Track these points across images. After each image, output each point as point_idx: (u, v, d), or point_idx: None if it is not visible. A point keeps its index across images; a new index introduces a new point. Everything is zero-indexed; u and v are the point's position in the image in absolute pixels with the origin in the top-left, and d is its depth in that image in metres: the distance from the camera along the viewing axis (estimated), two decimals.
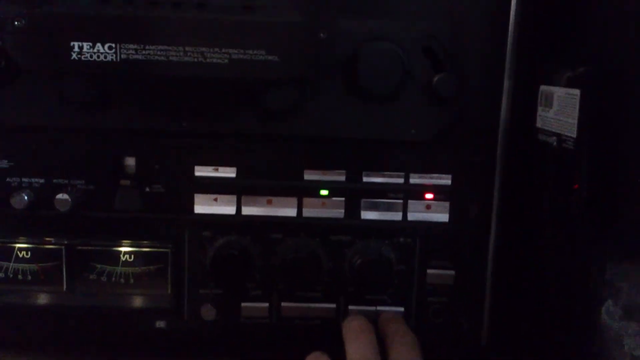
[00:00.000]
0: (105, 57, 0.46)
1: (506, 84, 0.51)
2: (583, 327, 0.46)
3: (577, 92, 0.44)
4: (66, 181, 0.52)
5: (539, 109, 0.49)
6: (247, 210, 0.52)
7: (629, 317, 0.42)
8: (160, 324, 0.54)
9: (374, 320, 0.52)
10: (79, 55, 0.46)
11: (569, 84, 0.45)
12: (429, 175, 0.52)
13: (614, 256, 0.45)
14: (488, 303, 0.54)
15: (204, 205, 0.52)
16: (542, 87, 0.48)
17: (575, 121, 0.44)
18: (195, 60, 0.46)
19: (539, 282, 0.51)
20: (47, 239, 0.53)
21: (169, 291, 0.53)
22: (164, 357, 0.55)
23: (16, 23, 0.46)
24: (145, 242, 0.53)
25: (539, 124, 0.49)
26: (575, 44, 0.48)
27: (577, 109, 0.44)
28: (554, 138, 0.47)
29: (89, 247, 0.53)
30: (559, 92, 0.46)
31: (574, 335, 0.47)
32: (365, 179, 0.52)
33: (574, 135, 0.44)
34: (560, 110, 0.46)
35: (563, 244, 0.48)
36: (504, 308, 0.54)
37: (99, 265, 0.53)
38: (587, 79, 0.44)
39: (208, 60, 0.47)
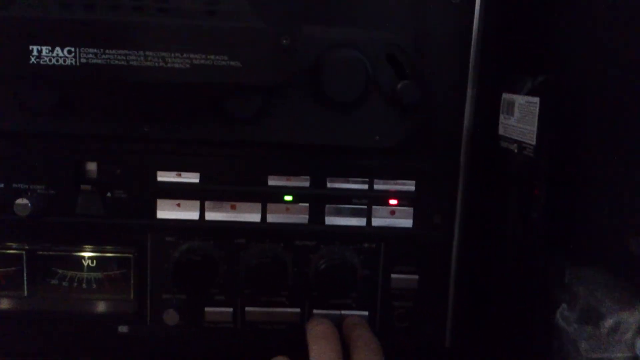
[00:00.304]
0: (65, 61, 0.46)
1: (469, 91, 0.51)
2: (541, 331, 0.46)
3: (536, 100, 0.44)
4: (26, 186, 0.51)
5: (501, 116, 0.49)
6: (210, 216, 0.52)
7: (585, 320, 0.43)
8: (123, 328, 0.54)
9: (338, 324, 0.52)
10: (37, 60, 0.46)
11: (530, 93, 0.45)
12: (393, 181, 0.52)
13: (572, 261, 0.46)
14: (451, 307, 0.54)
15: (166, 211, 0.52)
16: (504, 95, 0.49)
17: (535, 129, 0.44)
18: (156, 65, 0.46)
19: (501, 286, 0.52)
20: (8, 244, 0.52)
21: (132, 296, 0.53)
22: None
23: None
24: (107, 247, 0.52)
25: (501, 132, 0.49)
26: (536, 53, 0.48)
27: (536, 117, 0.44)
28: (515, 145, 0.47)
29: (50, 252, 0.52)
30: (520, 100, 0.46)
31: (532, 339, 0.48)
32: (329, 185, 0.52)
33: (534, 143, 0.44)
34: (521, 118, 0.46)
35: (523, 249, 0.48)
36: (467, 311, 0.55)
37: (60, 270, 0.52)
38: (547, 87, 0.44)
39: (169, 65, 0.46)
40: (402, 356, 0.54)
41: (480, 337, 0.55)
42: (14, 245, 0.52)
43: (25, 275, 0.52)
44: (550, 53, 0.48)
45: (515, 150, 0.47)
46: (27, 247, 0.52)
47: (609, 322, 0.40)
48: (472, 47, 0.50)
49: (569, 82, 0.44)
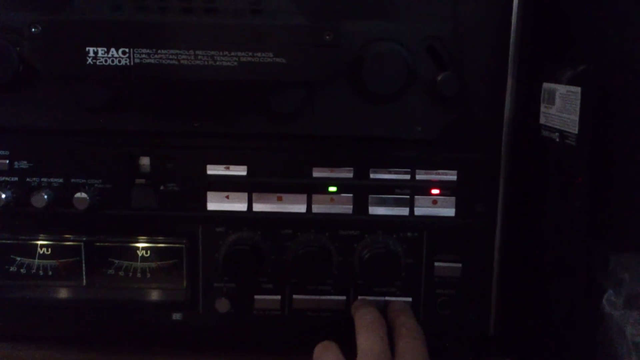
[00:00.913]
0: (120, 61, 0.48)
1: (509, 82, 0.51)
2: (586, 317, 0.47)
3: (578, 89, 0.44)
4: (84, 180, 0.53)
5: (542, 106, 0.50)
6: (258, 207, 0.54)
7: (631, 306, 0.43)
8: (176, 316, 0.56)
9: (383, 309, 0.53)
10: (94, 60, 0.48)
11: (571, 82, 0.45)
12: (434, 171, 0.53)
13: (616, 248, 0.46)
14: (495, 294, 0.55)
15: (216, 202, 0.54)
16: (545, 85, 0.49)
17: (577, 118, 0.45)
18: (206, 63, 0.48)
19: (544, 274, 0.52)
20: (67, 236, 0.55)
21: (185, 285, 0.55)
22: (181, 348, 0.57)
23: (33, 29, 0.48)
24: (160, 238, 0.55)
25: (542, 121, 0.50)
26: (577, 42, 0.48)
27: (578, 106, 0.44)
28: (557, 134, 0.47)
29: (107, 244, 0.55)
30: (561, 89, 0.47)
31: (577, 325, 0.48)
32: (372, 176, 0.53)
33: (576, 132, 0.45)
34: (562, 107, 0.47)
35: (567, 237, 0.48)
36: (510, 299, 0.56)
37: (117, 261, 0.55)
38: (588, 77, 0.44)
39: (218, 63, 0.48)
40: (447, 344, 0.55)
41: (524, 325, 0.56)
42: (72, 237, 0.55)
43: (83, 265, 0.55)
44: (590, 42, 0.48)
45: (557, 139, 0.48)
46: (85, 239, 0.55)
47: None
48: (511, 37, 0.51)
49: (610, 70, 0.45)
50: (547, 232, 0.50)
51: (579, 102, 0.44)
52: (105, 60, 0.48)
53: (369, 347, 0.47)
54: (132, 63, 0.48)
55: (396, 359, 0.46)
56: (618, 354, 0.41)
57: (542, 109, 0.50)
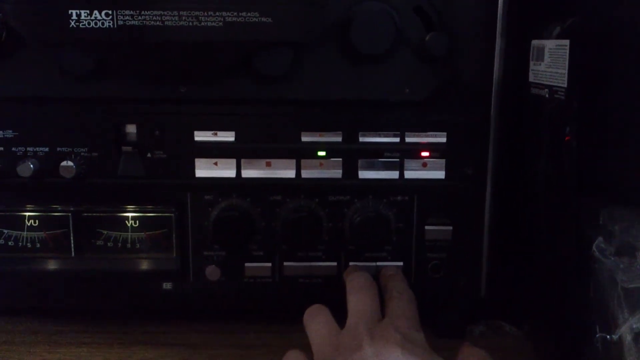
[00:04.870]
0: (103, 24, 0.47)
1: (498, 41, 0.51)
2: (578, 273, 0.47)
3: (567, 42, 0.44)
4: (70, 149, 0.53)
5: (531, 63, 0.49)
6: (246, 173, 0.53)
7: (621, 253, 0.43)
8: (167, 285, 0.55)
9: (375, 275, 0.53)
10: (77, 24, 0.47)
11: (560, 37, 0.45)
12: (424, 133, 0.53)
13: (606, 202, 0.46)
14: (486, 256, 0.55)
15: (204, 170, 0.53)
16: (534, 42, 0.49)
17: (566, 71, 0.44)
18: (190, 24, 0.47)
19: (535, 233, 0.52)
20: (54, 206, 0.54)
21: (175, 254, 0.54)
22: (172, 318, 0.57)
23: None
24: (149, 207, 0.54)
25: (531, 78, 0.50)
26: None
27: (567, 59, 0.44)
28: (546, 90, 0.47)
29: (95, 214, 0.54)
30: (550, 44, 0.46)
31: (569, 282, 0.48)
32: (361, 139, 0.53)
33: (565, 85, 0.45)
34: (551, 62, 0.46)
35: (557, 193, 0.48)
36: (501, 260, 0.55)
37: (105, 231, 0.54)
38: (576, 29, 0.44)
39: (202, 23, 0.47)
40: (439, 306, 0.55)
41: (515, 285, 0.56)
42: (60, 207, 0.54)
43: (72, 237, 0.54)
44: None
45: (547, 95, 0.47)
46: (72, 209, 0.54)
47: None
48: None
49: (598, 23, 0.44)
50: (537, 190, 0.50)
51: (567, 54, 0.44)
52: (89, 23, 0.47)
53: (359, 308, 0.47)
54: (115, 25, 0.47)
55: (386, 318, 0.46)
56: (609, 303, 0.41)
57: (532, 66, 0.49)
